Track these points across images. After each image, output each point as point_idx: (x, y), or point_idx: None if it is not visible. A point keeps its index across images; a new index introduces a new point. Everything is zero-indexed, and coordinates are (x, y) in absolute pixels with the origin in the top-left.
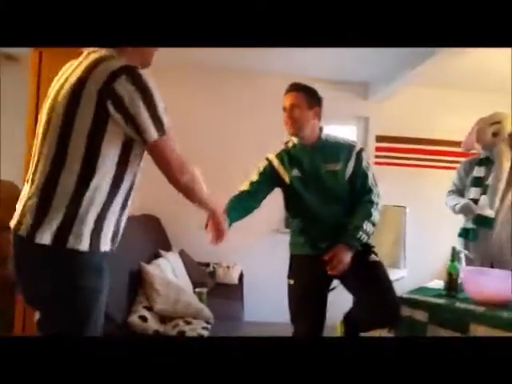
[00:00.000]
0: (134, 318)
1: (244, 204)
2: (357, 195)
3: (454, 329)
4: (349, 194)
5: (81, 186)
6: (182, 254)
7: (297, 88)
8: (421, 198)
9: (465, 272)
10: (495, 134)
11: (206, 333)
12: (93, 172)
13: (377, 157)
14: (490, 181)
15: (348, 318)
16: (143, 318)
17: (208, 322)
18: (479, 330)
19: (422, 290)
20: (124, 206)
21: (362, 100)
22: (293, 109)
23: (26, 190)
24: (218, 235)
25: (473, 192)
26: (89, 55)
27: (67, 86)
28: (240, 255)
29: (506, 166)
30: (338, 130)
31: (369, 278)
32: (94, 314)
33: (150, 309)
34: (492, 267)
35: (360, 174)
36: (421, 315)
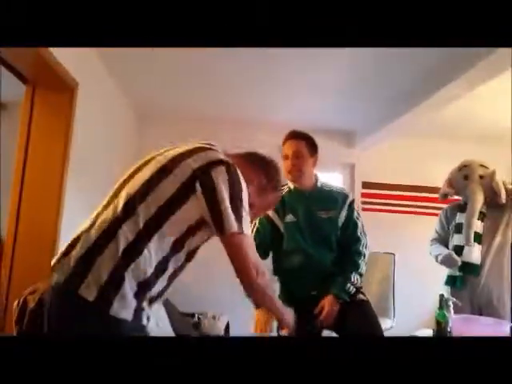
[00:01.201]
0: None
1: None
2: (345, 244)
3: None
4: (339, 242)
5: (128, 255)
6: (167, 304)
7: (299, 136)
8: (407, 244)
9: (453, 320)
10: (466, 177)
11: None
12: (145, 244)
13: (363, 203)
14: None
15: None
16: None
17: None
18: None
19: None
20: (169, 285)
21: (348, 148)
22: (296, 157)
23: (76, 240)
24: None
25: (456, 239)
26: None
27: (154, 163)
28: (226, 305)
29: (479, 201)
30: (324, 176)
31: (357, 315)
32: None
33: None
34: (481, 314)
35: (351, 223)
36: None
